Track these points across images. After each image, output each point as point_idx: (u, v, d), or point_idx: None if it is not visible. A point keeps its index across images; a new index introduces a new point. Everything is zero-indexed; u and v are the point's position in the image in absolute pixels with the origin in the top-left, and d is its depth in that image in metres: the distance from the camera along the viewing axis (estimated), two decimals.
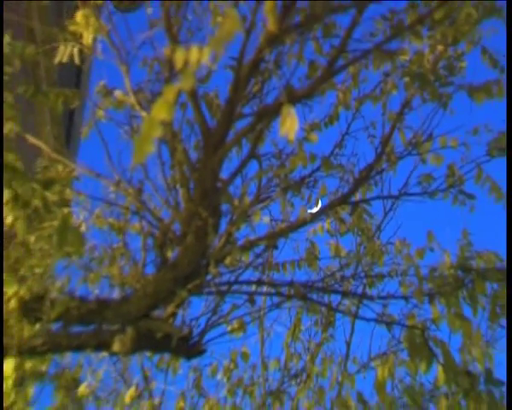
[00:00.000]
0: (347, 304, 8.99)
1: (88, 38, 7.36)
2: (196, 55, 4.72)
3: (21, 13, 7.60)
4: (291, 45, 7.44)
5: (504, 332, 7.60)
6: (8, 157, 7.26)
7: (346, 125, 8.50)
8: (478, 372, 7.35)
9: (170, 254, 7.41)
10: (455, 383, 7.29)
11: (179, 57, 4.59)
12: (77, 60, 7.50)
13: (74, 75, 8.51)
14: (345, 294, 8.55)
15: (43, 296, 7.29)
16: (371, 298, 8.22)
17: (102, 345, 7.43)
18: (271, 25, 6.06)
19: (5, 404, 8.32)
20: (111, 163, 7.77)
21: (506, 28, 7.23)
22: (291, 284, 8.24)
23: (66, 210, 7.36)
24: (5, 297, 7.26)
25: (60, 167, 7.97)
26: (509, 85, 7.19)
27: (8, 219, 7.22)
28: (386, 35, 7.10)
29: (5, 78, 7.70)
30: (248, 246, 7.93)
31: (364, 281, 8.53)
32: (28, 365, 8.02)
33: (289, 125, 5.37)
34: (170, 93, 4.38)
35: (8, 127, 7.44)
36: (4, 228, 7.78)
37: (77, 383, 9.43)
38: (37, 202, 7.16)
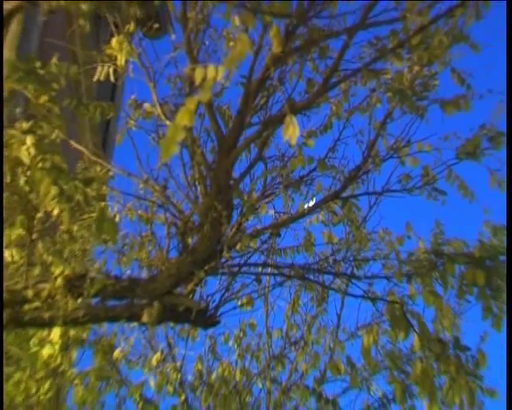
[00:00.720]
0: (338, 283, 9.18)
1: (121, 60, 7.64)
2: (213, 73, 5.17)
3: (66, 39, 7.94)
4: (292, 65, 7.79)
5: (470, 306, 7.91)
6: (55, 159, 7.39)
7: (338, 133, 8.59)
8: (447, 340, 7.65)
9: (190, 241, 7.63)
10: (428, 348, 7.56)
11: (198, 75, 5.04)
12: (112, 78, 7.82)
13: (110, 91, 8.61)
14: (336, 274, 8.71)
15: (84, 275, 7.54)
16: (358, 278, 8.40)
17: (133, 317, 7.72)
18: (276, 48, 6.61)
19: (52, 365, 8.57)
20: (140, 164, 8.10)
21: (506, 28, 7.24)
22: (291, 266, 8.53)
23: (102, 204, 7.63)
24: (52, 276, 7.48)
25: (97, 168, 8.18)
26: (509, 85, 7.19)
27: (54, 211, 7.31)
28: (372, 57, 7.31)
29: (52, 93, 7.71)
30: (255, 234, 8.20)
31: (353, 264, 8.59)
32: (72, 333, 8.29)
33: (291, 132, 5.78)
34: (191, 104, 4.85)
35: (55, 134, 7.58)
36: (51, 218, 8.32)
37: (112, 348, 9.83)
38: (79, 197, 7.31)
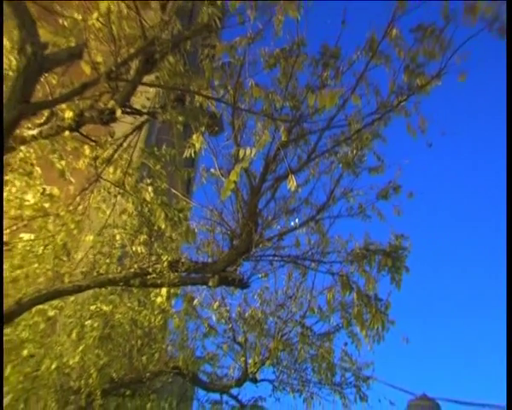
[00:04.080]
0: (313, 265, 9.06)
1: (198, 146, 7.83)
2: (248, 153, 6.42)
3: (170, 134, 8.72)
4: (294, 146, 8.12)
5: (383, 276, 8.37)
6: (163, 199, 8.25)
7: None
8: (371, 295, 8.43)
9: (234, 243, 8.31)
10: (361, 299, 8.44)
11: (241, 153, 6.20)
12: (193, 155, 8.07)
13: (191, 162, 9.07)
14: (313, 260, 8.92)
15: (179, 260, 8.23)
16: (324, 262, 8.81)
17: (204, 282, 8.50)
18: (284, 137, 7.40)
19: (161, 307, 9.38)
20: (208, 200, 8.73)
21: (506, 28, 6.69)
22: (289, 256, 9.00)
23: (187, 222, 8.42)
24: (162, 260, 8.11)
25: (184, 202, 8.70)
26: (509, 85, 6.72)
27: (162, 226, 8.14)
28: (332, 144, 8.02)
29: (157, 167, 8.52)
30: (269, 239, 8.57)
31: (321, 254, 8.79)
32: (171, 290, 8.95)
33: (291, 184, 7.07)
34: (237, 169, 6.08)
35: (163, 185, 8.38)
36: (155, 228, 9.25)
37: (192, 298, 10.51)
38: (175, 218, 8.17)
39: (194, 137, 7.93)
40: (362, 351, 10.13)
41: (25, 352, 8.77)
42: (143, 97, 7.80)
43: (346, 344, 11.22)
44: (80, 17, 6.85)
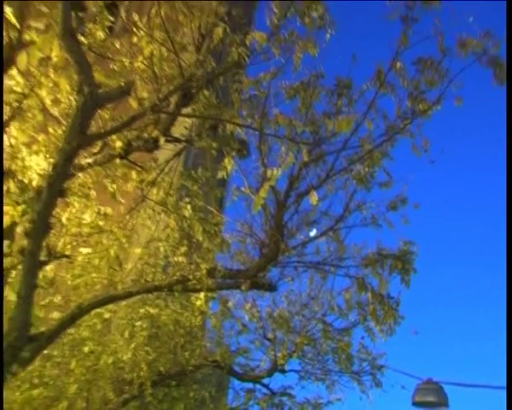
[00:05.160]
0: (332, 269, 8.93)
1: (228, 168, 7.81)
2: (275, 173, 6.47)
3: (204, 159, 8.50)
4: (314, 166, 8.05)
5: (393, 277, 8.27)
6: (200, 215, 8.35)
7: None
8: (384, 294, 8.44)
9: (264, 251, 8.23)
10: (374, 298, 8.44)
11: (268, 173, 6.26)
12: (225, 176, 8.00)
13: (222, 182, 9.02)
14: (332, 265, 8.77)
15: (215, 268, 8.17)
16: (342, 266, 8.71)
17: (238, 287, 8.54)
18: (305, 158, 7.46)
19: (201, 309, 9.27)
20: (238, 215, 8.68)
21: (506, 29, 6.69)
22: (310, 262, 8.92)
23: (221, 235, 8.46)
24: (201, 269, 8.02)
25: (218, 217, 8.58)
26: (508, 85, 6.59)
27: (200, 238, 8.28)
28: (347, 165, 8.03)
29: (194, 187, 8.51)
30: (293, 248, 8.49)
31: (339, 260, 8.71)
32: (209, 295, 8.85)
33: (313, 199, 7.10)
34: (266, 187, 6.12)
35: (200, 203, 8.41)
36: (194, 240, 9.32)
37: (227, 300, 10.63)
38: (211, 232, 8.26)
39: (226, 160, 7.92)
40: (376, 343, 10.20)
41: (86, 349, 8.87)
42: (182, 127, 7.84)
43: (362, 338, 11.19)
44: (127, 61, 7.03)
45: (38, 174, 6.73)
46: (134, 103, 6.54)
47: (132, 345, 9.18)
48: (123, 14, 7.73)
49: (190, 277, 8.12)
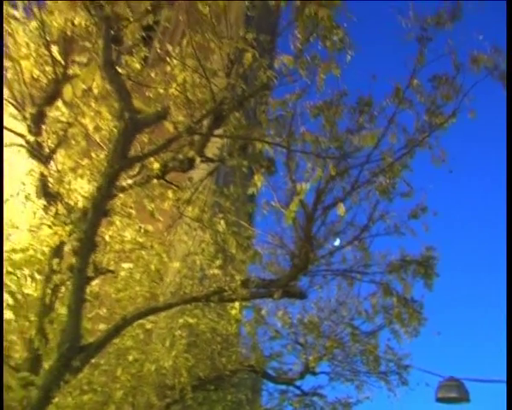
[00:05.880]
0: (358, 276, 8.79)
1: (258, 185, 7.65)
2: (304, 188, 6.42)
3: (235, 176, 8.55)
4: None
5: (416, 281, 8.19)
6: (234, 228, 8.27)
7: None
8: (407, 297, 8.37)
9: (296, 261, 8.05)
10: (399, 301, 8.38)
11: (298, 188, 6.20)
12: (255, 192, 7.79)
13: (251, 197, 8.89)
14: (358, 272, 8.71)
15: (248, 279, 8.01)
16: (367, 273, 8.64)
17: (270, 296, 8.26)
18: (332, 172, 7.48)
19: (236, 317, 9.06)
20: (268, 228, 8.62)
21: (506, 28, 6.73)
22: (338, 270, 8.79)
23: (254, 247, 8.43)
24: (236, 280, 7.89)
25: (250, 231, 8.49)
26: (508, 84, 6.61)
27: (233, 250, 8.27)
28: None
29: (227, 204, 8.41)
30: (322, 258, 8.34)
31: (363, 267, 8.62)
32: (243, 303, 8.80)
33: (341, 210, 7.02)
34: (296, 201, 6.08)
35: (233, 218, 8.35)
36: (228, 253, 9.31)
37: (261, 309, 10.50)
38: (245, 245, 8.18)
39: (256, 177, 7.83)
40: (401, 344, 10.11)
41: (130, 357, 8.86)
42: (214, 147, 7.84)
43: (388, 340, 11.10)
44: (162, 88, 7.05)
45: (83, 196, 6.79)
46: (170, 127, 6.53)
47: (173, 353, 9.11)
48: (156, 44, 7.77)
49: (226, 288, 8.00)
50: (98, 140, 7.10)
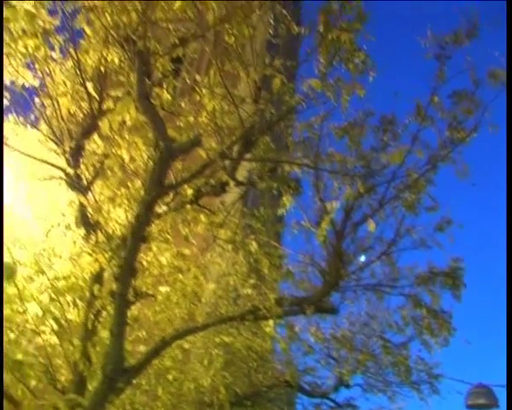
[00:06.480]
0: (387, 289, 8.67)
1: (287, 205, 7.64)
2: (333, 206, 6.25)
3: (261, 197, 8.52)
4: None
5: (444, 293, 8.02)
6: (265, 249, 8.35)
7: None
8: (436, 309, 8.22)
9: (326, 278, 7.93)
10: (428, 313, 8.26)
11: (328, 206, 6.03)
12: (284, 212, 7.85)
13: (279, 218, 8.82)
14: (387, 286, 8.57)
15: (282, 297, 7.89)
16: (396, 287, 8.50)
17: (303, 312, 7.98)
18: (361, 189, 7.37)
19: (270, 335, 8.93)
20: (298, 247, 8.61)
21: (506, 28, 6.58)
22: (367, 285, 8.62)
23: (286, 266, 8.46)
24: (271, 299, 7.63)
25: (281, 250, 8.49)
26: (508, 84, 6.54)
27: (265, 270, 8.18)
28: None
29: (258, 225, 8.41)
30: (352, 273, 8.21)
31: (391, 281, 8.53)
32: (277, 321, 8.61)
33: (371, 226, 6.85)
34: (327, 219, 5.93)
35: (265, 238, 8.34)
36: (261, 273, 9.16)
37: (293, 325, 10.45)
38: (276, 264, 8.23)
39: (285, 198, 7.78)
40: (431, 354, 9.94)
41: (170, 377, 8.75)
42: (244, 171, 7.69)
43: (419, 350, 10.91)
44: (192, 117, 6.96)
45: (120, 224, 6.72)
46: (203, 153, 6.42)
47: (211, 371, 9.01)
48: (185, 75, 7.73)
49: (260, 306, 7.80)
50: (133, 170, 6.97)
